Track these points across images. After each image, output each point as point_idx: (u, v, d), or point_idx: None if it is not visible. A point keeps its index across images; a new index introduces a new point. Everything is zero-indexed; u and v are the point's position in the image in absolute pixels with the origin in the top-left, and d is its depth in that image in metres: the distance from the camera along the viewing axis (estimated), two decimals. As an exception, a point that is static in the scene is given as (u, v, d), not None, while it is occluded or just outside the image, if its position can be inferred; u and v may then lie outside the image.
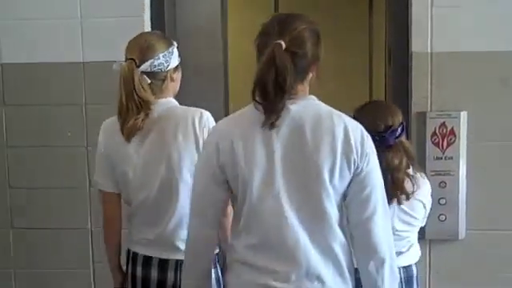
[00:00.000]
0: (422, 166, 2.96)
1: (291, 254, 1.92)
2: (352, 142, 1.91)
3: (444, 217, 2.97)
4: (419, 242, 3.00)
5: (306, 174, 1.91)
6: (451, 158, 2.96)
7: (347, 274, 1.99)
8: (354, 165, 1.91)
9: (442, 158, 2.96)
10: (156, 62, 2.38)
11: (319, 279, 1.94)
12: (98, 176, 2.51)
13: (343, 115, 1.96)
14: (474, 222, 3.00)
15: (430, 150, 2.97)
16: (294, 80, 1.89)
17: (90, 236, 3.27)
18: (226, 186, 1.98)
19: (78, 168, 3.23)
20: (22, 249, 3.33)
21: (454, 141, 2.95)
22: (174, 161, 2.37)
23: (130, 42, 2.44)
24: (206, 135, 2.31)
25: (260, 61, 1.90)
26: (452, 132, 2.95)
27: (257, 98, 1.90)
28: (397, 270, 2.02)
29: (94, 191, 3.22)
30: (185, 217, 2.30)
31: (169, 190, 2.39)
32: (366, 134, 1.96)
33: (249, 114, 1.96)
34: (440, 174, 2.96)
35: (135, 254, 2.48)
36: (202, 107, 2.47)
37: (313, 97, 2.00)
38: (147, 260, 2.45)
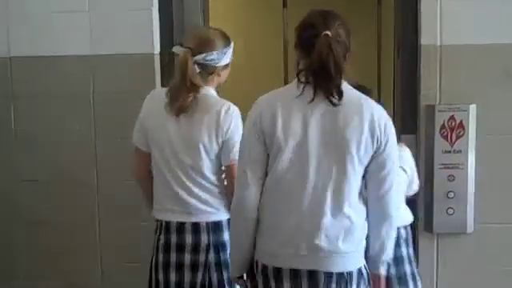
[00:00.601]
0: (429, 160, 2.97)
1: (309, 217, 2.20)
2: (376, 122, 2.20)
3: (452, 210, 2.96)
4: (427, 236, 3.02)
5: (335, 147, 2.19)
6: (460, 151, 2.94)
7: (358, 236, 2.24)
8: (378, 142, 2.20)
9: (450, 152, 2.95)
10: (209, 57, 2.66)
11: (329, 238, 2.19)
12: (135, 133, 2.78)
13: (369, 99, 2.26)
14: (483, 216, 2.98)
15: (439, 143, 2.95)
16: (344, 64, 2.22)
17: (97, 230, 3.29)
18: (266, 149, 2.25)
19: (86, 161, 3.25)
20: (29, 241, 3.34)
21: (463, 134, 2.94)
22: (194, 141, 2.64)
23: (192, 32, 2.86)
24: (227, 125, 2.62)
25: (317, 47, 2.19)
26: (461, 125, 2.94)
27: (306, 78, 2.21)
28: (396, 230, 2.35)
29: (101, 184, 3.24)
30: (208, 186, 2.67)
31: (187, 165, 2.66)
32: (388, 117, 2.25)
33: (291, 90, 2.25)
34: (448, 168, 2.95)
35: (168, 223, 2.72)
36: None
37: (345, 82, 2.24)
38: (181, 226, 2.70)
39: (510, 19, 2.93)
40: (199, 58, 2.64)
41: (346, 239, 2.20)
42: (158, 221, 2.76)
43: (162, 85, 3.21)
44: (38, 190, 3.30)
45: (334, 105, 2.17)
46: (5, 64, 3.26)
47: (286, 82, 6.09)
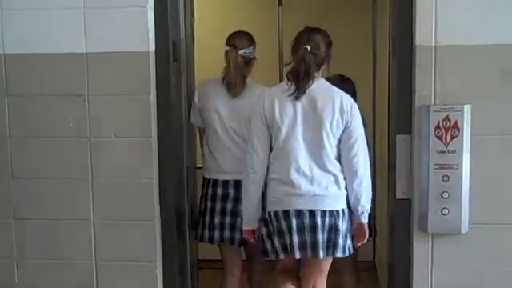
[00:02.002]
0: (424, 160, 2.97)
1: (303, 171, 3.22)
2: (344, 107, 3.21)
3: (447, 210, 2.97)
4: (422, 236, 3.03)
5: (315, 125, 3.22)
6: (454, 151, 2.95)
7: (341, 186, 3.24)
8: (346, 120, 3.21)
9: (445, 152, 2.95)
10: (247, 51, 3.74)
11: (321, 186, 3.21)
12: (193, 116, 3.81)
13: (340, 91, 3.27)
14: (477, 216, 2.99)
15: (434, 143, 2.96)
16: (314, 70, 3.23)
17: (92, 227, 3.27)
18: (268, 129, 3.28)
19: (80, 159, 3.23)
20: (23, 239, 3.33)
21: (458, 134, 2.94)
22: (245, 118, 3.57)
23: (232, 34, 3.80)
24: None
25: (295, 57, 3.26)
26: (456, 125, 2.94)
27: (290, 78, 3.26)
28: (370, 188, 3.28)
29: (96, 182, 3.24)
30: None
31: (240, 137, 3.68)
32: (354, 103, 3.25)
33: (284, 86, 3.29)
34: (443, 168, 2.95)
35: (215, 181, 3.76)
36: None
37: (322, 79, 3.32)
38: (225, 183, 3.73)
39: (505, 20, 2.94)
40: (242, 51, 3.70)
41: (332, 187, 3.22)
42: (205, 178, 3.82)
43: (157, 82, 3.20)
44: (33, 188, 3.29)
45: (297, 98, 3.22)
46: (-1, 61, 3.24)
47: (281, 79, 6.09)
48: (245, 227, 3.41)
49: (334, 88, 3.26)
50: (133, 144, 3.19)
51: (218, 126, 3.68)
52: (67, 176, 3.25)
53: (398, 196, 3.14)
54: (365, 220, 3.28)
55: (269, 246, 3.29)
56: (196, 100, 3.75)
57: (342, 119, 3.18)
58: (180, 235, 3.42)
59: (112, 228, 3.24)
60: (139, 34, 3.15)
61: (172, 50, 3.28)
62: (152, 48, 3.18)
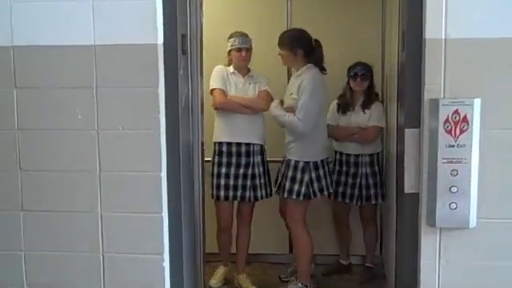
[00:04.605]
0: (433, 154, 2.96)
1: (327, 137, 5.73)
2: None
3: (455, 205, 2.95)
4: (430, 230, 3.02)
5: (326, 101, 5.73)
6: (463, 145, 2.93)
7: None
8: None
9: (454, 146, 2.94)
10: None
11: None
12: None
13: None
14: (486, 211, 2.97)
15: (443, 137, 2.94)
16: None
17: (99, 220, 3.27)
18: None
19: (88, 151, 3.23)
20: (32, 231, 3.34)
21: (467, 128, 2.93)
22: None
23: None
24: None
25: (318, 49, 5.50)
26: (465, 119, 2.92)
27: (317, 64, 5.54)
28: None
29: (104, 174, 3.24)
30: None
31: None
32: None
33: (318, 72, 5.57)
34: (452, 162, 2.94)
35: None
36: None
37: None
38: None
39: (516, 13, 2.92)
40: None
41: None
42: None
43: (166, 75, 3.20)
44: (40, 179, 3.29)
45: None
46: (8, 53, 3.24)
47: (289, 72, 6.11)
48: None
49: None
50: (141, 136, 3.19)
51: None
52: (75, 168, 3.25)
53: (406, 190, 3.12)
54: None
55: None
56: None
57: None
58: (188, 228, 3.42)
59: (120, 220, 3.25)
60: (147, 26, 3.14)
61: (181, 43, 3.27)
62: (160, 40, 3.17)
